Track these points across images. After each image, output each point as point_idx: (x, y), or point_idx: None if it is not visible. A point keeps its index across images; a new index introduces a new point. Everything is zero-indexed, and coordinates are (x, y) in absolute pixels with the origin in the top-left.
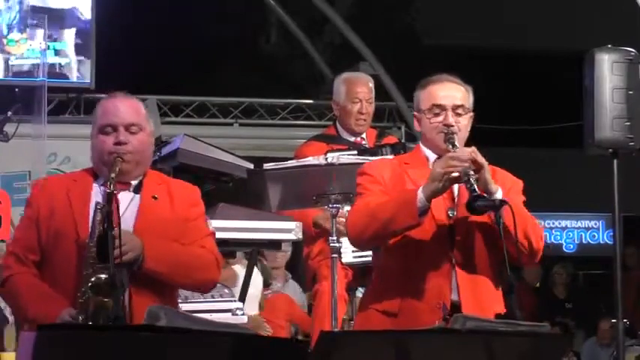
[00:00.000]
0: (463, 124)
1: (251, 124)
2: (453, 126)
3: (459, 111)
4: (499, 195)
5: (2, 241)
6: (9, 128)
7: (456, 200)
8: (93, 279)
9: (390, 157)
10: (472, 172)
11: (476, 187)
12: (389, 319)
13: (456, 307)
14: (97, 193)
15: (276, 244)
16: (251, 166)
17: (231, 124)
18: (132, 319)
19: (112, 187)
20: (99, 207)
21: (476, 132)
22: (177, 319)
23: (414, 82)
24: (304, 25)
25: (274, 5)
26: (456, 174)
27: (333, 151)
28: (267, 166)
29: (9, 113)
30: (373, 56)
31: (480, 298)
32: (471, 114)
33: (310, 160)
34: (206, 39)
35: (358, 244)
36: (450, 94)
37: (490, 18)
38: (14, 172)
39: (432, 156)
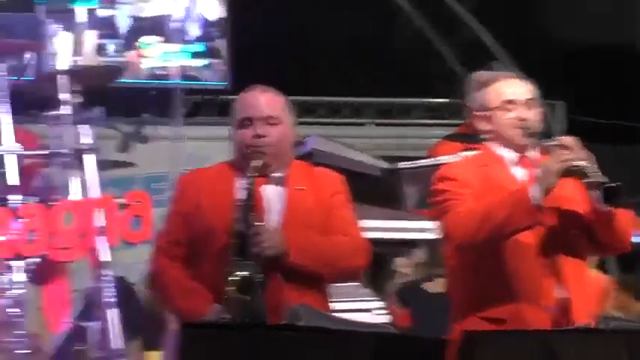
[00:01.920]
0: (536, 117)
1: (384, 123)
2: (528, 120)
3: (530, 105)
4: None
5: (144, 241)
6: (147, 130)
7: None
8: (235, 276)
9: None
10: (585, 163)
11: (600, 175)
12: (496, 326)
13: (564, 306)
14: (240, 188)
15: (412, 244)
16: (385, 165)
17: (364, 124)
18: (277, 315)
19: (251, 182)
20: (240, 203)
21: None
22: (317, 318)
23: (547, 80)
24: (436, 23)
25: (406, 4)
26: (578, 163)
27: (467, 150)
28: (402, 164)
29: (145, 116)
30: (505, 54)
31: (585, 292)
32: (541, 108)
33: (446, 159)
34: (339, 38)
35: (466, 251)
36: (519, 89)
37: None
38: (153, 173)
39: (507, 154)
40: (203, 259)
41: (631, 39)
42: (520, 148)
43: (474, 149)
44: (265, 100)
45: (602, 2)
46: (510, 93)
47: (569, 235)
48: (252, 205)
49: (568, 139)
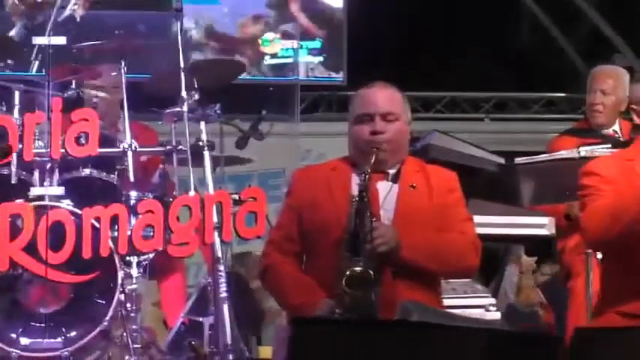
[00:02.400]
0: None
1: (502, 118)
2: None
3: None
4: None
5: (258, 237)
6: (263, 127)
7: None
8: (347, 272)
9: None
10: None
11: None
12: (629, 321)
13: None
14: (355, 183)
15: (529, 240)
16: (502, 160)
17: (482, 119)
18: (389, 311)
19: (366, 179)
20: (354, 199)
21: None
22: (429, 314)
23: None
24: (556, 17)
25: None
26: None
27: (585, 144)
28: (518, 160)
29: (263, 112)
30: (628, 47)
31: None
32: None
33: (563, 154)
34: (456, 32)
35: (600, 246)
36: None
37: None
38: (270, 169)
39: None
40: (316, 254)
41: None
42: None
43: (592, 144)
44: (384, 97)
45: None
46: None
47: None
48: (366, 201)
49: None
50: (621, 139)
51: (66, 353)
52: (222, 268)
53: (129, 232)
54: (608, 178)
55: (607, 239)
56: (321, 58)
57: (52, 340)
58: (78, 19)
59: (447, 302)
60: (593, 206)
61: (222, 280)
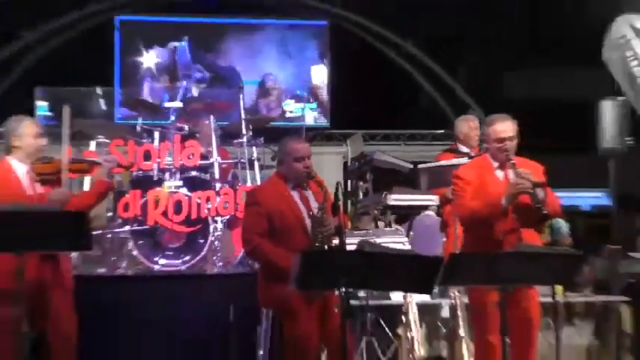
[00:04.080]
0: (513, 145)
1: (412, 144)
2: (510, 151)
3: (512, 138)
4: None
5: None
6: None
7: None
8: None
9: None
10: (532, 190)
11: (539, 198)
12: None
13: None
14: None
15: (426, 207)
16: (411, 166)
17: (400, 144)
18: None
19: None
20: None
21: None
22: (374, 247)
23: None
24: (438, 85)
25: None
26: (526, 191)
27: (457, 158)
28: (420, 166)
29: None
30: (477, 106)
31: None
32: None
33: (443, 163)
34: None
35: (463, 224)
36: (507, 128)
37: None
38: None
39: (494, 163)
40: (279, 237)
41: None
42: (502, 162)
43: (459, 157)
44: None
45: None
46: (501, 132)
47: (522, 217)
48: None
49: (524, 171)
50: (473, 154)
51: (183, 268)
52: None
53: (216, 205)
54: (467, 180)
55: (467, 224)
56: (316, 113)
57: (175, 261)
58: (195, 94)
59: (384, 240)
60: (460, 202)
61: None
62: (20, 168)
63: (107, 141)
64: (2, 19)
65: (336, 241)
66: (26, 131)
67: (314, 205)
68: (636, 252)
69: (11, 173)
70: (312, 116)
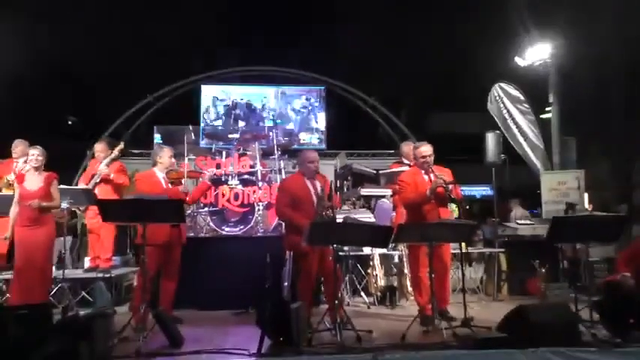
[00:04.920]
0: (432, 160)
1: (375, 159)
2: (430, 163)
3: (430, 156)
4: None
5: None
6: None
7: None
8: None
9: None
10: (445, 186)
11: (449, 189)
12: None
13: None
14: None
15: (383, 196)
16: (375, 171)
17: (371, 158)
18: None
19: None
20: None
21: None
22: (351, 220)
23: None
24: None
25: None
26: (441, 186)
27: (402, 167)
28: (381, 171)
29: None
30: (411, 133)
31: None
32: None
33: (395, 170)
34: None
35: (405, 208)
36: (428, 150)
37: None
38: None
39: (422, 170)
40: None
41: None
42: (427, 172)
43: (404, 167)
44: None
45: None
46: (424, 152)
47: (439, 201)
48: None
49: (440, 174)
50: (411, 165)
51: (239, 233)
52: None
53: (259, 195)
54: (407, 181)
55: (407, 207)
56: (317, 140)
57: (234, 229)
58: (245, 129)
59: (359, 216)
60: (403, 194)
61: None
62: (160, 175)
63: (194, 157)
64: (136, 85)
65: (330, 214)
66: (166, 154)
67: (319, 189)
68: (508, 222)
69: (156, 178)
70: (315, 142)
